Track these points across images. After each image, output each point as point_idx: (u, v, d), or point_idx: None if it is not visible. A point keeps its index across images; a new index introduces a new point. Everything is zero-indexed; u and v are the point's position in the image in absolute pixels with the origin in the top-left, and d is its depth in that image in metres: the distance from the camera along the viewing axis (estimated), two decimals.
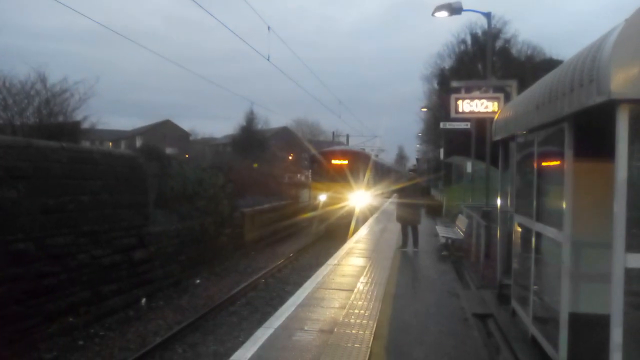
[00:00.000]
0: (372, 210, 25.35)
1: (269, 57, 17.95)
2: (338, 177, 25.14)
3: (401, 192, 14.28)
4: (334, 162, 26.57)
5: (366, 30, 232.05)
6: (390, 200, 31.24)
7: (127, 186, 14.23)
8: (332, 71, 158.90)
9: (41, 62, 32.55)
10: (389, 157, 78.71)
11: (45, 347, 9.90)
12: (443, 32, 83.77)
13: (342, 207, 24.22)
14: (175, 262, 15.90)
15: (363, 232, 17.12)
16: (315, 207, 25.70)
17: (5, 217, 10.03)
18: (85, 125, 23.40)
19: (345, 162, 26.42)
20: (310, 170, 28.51)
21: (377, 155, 44.96)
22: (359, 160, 26.98)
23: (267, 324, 6.63)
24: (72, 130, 20.48)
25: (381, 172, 35.63)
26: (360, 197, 25.02)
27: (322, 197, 25.26)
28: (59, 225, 11.38)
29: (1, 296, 9.69)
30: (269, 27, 17.57)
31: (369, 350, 5.69)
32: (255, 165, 48.22)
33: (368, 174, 26.21)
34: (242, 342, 6.07)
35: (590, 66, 3.64)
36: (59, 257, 11.30)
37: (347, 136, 50.51)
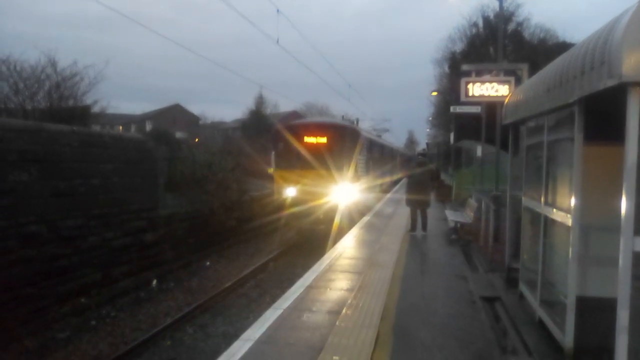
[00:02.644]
0: (363, 211, 18.59)
1: (278, 40, 17.87)
2: (313, 163, 17.63)
3: (411, 176, 14.26)
4: (307, 139, 18.49)
5: (373, 14, 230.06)
6: (389, 196, 25.98)
7: (137, 170, 14.34)
8: (341, 55, 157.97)
9: (51, 48, 32.63)
10: (398, 141, 78.22)
11: (58, 327, 10.09)
12: (452, 15, 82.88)
13: (319, 207, 17.57)
14: (185, 244, 16.07)
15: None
16: (280, 207, 18.38)
17: (18, 200, 10.16)
18: (96, 109, 23.38)
19: (324, 139, 18.46)
20: (273, 153, 19.64)
21: (379, 135, 38.20)
22: (343, 137, 18.74)
23: (276, 305, 6.70)
24: (82, 114, 20.56)
25: (379, 156, 27.39)
26: (345, 192, 17.90)
27: (291, 192, 17.98)
28: (70, 208, 11.52)
29: (15, 277, 9.87)
30: (277, 10, 17.47)
31: (376, 331, 5.74)
32: None
33: (357, 158, 18.84)
34: (251, 323, 6.14)
35: (602, 49, 3.60)
36: (71, 239, 11.46)
37: (357, 120, 50.23)
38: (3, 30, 67.82)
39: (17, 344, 9.14)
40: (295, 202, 17.75)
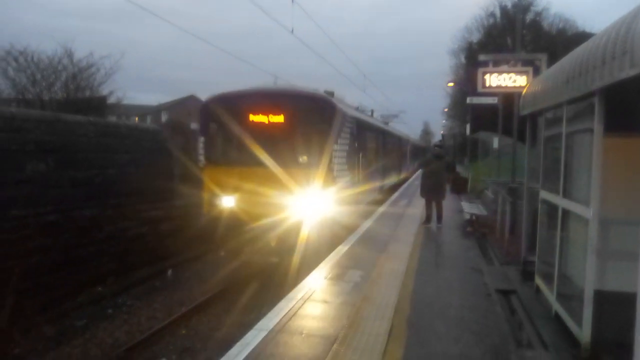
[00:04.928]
0: (338, 239, 11.24)
1: (292, 30, 17.78)
2: (262, 155, 10.97)
3: (426, 168, 14.10)
4: (252, 118, 11.53)
5: (388, 4, 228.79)
6: (383, 209, 16.45)
7: (152, 160, 14.44)
8: (355, 46, 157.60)
9: (67, 40, 33.02)
10: (413, 133, 77.46)
11: (75, 315, 10.23)
12: (469, 6, 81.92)
13: (272, 227, 11.20)
14: (200, 234, 16.13)
15: None
16: (209, 226, 11.97)
17: (36, 189, 10.29)
18: (112, 100, 23.66)
19: (279, 118, 11.47)
20: (201, 139, 12.48)
21: (386, 123, 29.32)
22: (310, 114, 11.52)
23: (290, 295, 6.72)
24: (98, 105, 20.81)
25: (377, 146, 19.34)
26: (315, 203, 11.08)
27: (228, 202, 11.50)
28: (86, 198, 11.64)
29: (33, 266, 10.02)
30: (292, 0, 17.37)
31: (390, 324, 5.73)
32: None
33: (335, 149, 11.54)
34: (266, 313, 6.17)
35: (624, 38, 3.51)
36: (87, 229, 11.60)
37: (372, 111, 49.92)
38: (21, 22, 68.61)
39: (36, 331, 9.29)
40: (235, 220, 11.37)
